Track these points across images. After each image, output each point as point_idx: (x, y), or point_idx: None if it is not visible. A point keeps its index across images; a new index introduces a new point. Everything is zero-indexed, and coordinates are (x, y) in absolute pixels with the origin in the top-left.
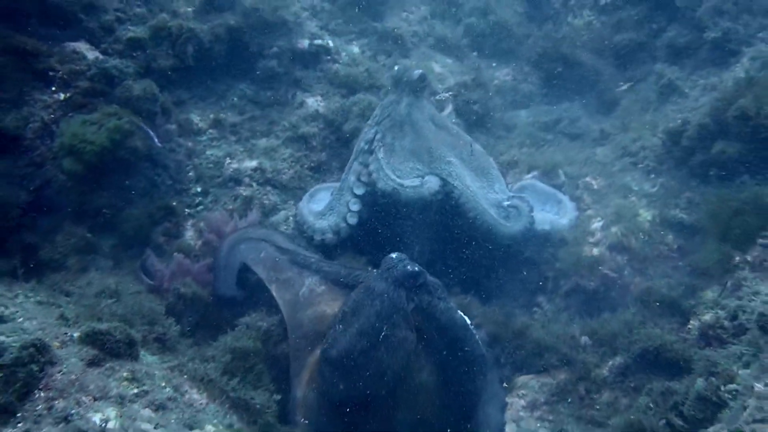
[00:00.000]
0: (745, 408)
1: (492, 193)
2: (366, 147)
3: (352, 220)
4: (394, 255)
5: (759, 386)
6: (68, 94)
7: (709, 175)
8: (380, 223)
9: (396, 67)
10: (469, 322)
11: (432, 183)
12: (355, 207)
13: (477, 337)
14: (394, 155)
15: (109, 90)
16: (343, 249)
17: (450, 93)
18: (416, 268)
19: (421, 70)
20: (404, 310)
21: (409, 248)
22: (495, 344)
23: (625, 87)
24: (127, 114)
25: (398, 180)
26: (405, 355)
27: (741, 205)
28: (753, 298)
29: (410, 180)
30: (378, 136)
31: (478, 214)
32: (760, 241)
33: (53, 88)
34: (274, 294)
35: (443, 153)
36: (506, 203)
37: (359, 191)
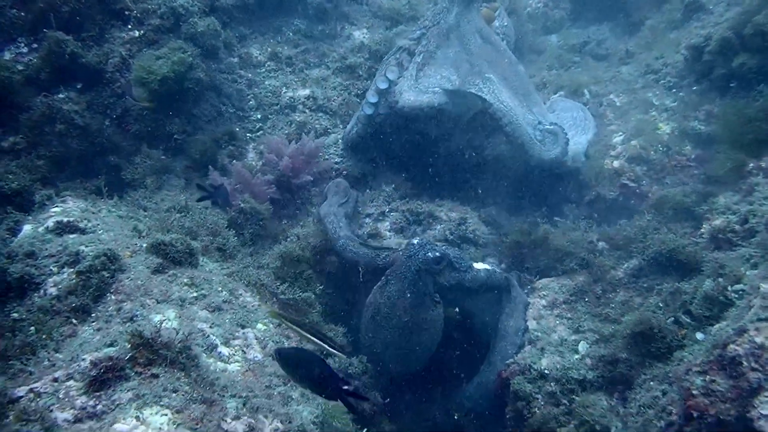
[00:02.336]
0: (750, 307)
1: (530, 115)
2: (407, 45)
3: (368, 110)
4: (416, 241)
5: (765, 286)
6: (142, 31)
7: (730, 87)
8: (403, 126)
9: None
10: (488, 267)
11: (431, 97)
12: (373, 99)
13: (498, 273)
14: (432, 63)
15: (176, 27)
16: (384, 165)
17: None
18: (437, 254)
19: None
20: (430, 294)
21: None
22: (518, 252)
23: None
24: (191, 49)
25: (415, 85)
26: (439, 326)
27: (756, 113)
28: (764, 202)
29: (416, 90)
30: (423, 42)
31: (514, 128)
32: None
33: (129, 26)
34: None
35: (483, 68)
36: (544, 127)
37: (382, 86)
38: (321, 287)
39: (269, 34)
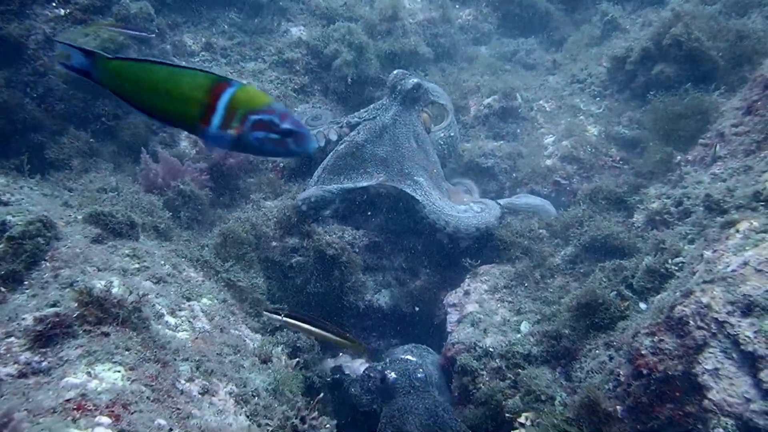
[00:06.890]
0: (693, 274)
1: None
2: (344, 123)
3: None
4: (379, 367)
5: (708, 253)
6: (68, 10)
7: (649, 95)
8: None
9: (394, 72)
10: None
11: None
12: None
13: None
14: (355, 156)
15: (107, 7)
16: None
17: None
18: (393, 375)
19: (416, 80)
20: (433, 398)
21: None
22: None
23: None
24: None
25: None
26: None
27: (684, 110)
28: (697, 186)
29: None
30: (354, 133)
31: (437, 218)
32: (701, 141)
33: (54, 4)
34: None
35: (413, 171)
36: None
37: (320, 143)
38: (264, 277)
39: (203, 25)
